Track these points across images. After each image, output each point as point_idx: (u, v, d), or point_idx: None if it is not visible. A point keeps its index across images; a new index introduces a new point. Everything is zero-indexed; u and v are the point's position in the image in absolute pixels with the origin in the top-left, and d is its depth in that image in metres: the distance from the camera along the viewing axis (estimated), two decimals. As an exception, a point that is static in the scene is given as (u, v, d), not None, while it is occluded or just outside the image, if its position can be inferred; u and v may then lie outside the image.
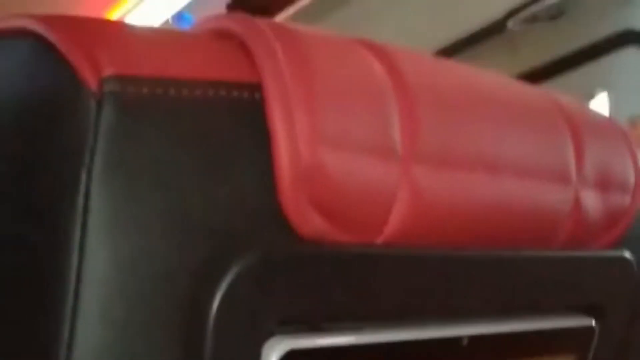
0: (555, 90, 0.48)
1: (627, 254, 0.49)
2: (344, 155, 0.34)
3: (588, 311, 0.48)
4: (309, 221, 0.34)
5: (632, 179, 0.48)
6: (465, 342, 0.41)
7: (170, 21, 3.05)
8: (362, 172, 0.34)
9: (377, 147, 0.35)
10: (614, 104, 1.94)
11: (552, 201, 0.43)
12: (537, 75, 2.06)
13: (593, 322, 0.48)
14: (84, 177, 0.29)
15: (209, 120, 0.32)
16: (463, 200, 0.38)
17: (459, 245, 0.39)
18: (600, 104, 1.96)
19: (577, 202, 0.44)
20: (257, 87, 0.33)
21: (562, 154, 0.44)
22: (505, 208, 0.40)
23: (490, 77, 0.43)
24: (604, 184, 0.46)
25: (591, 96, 2.01)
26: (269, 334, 0.34)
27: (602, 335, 0.48)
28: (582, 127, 0.46)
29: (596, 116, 0.49)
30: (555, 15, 2.05)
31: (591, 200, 0.45)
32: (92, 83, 0.30)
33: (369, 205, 0.35)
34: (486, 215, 0.40)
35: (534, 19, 2.06)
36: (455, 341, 0.40)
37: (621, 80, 1.94)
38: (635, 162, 0.49)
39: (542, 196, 0.42)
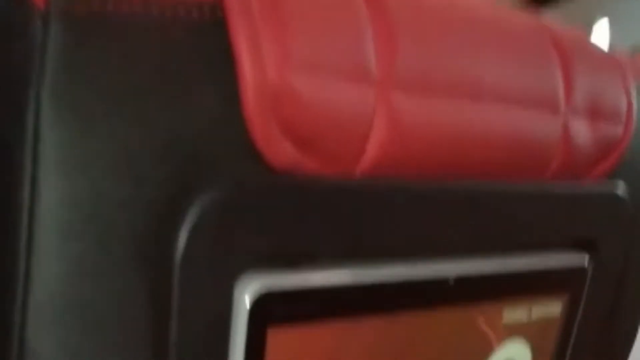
0: (547, 17, 0.46)
1: (620, 187, 0.47)
2: (314, 79, 0.31)
3: (580, 248, 0.46)
4: (280, 150, 0.32)
5: (624, 109, 0.46)
6: (451, 282, 0.39)
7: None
8: (335, 97, 0.32)
9: (351, 70, 0.33)
10: (615, 32, 1.90)
11: (539, 130, 0.41)
12: (535, 0, 2.01)
13: (586, 260, 0.46)
14: (32, 103, 0.27)
15: (167, 42, 0.29)
16: (444, 127, 0.36)
17: (442, 178, 0.37)
18: (601, 31, 1.93)
19: (566, 132, 0.42)
20: (218, 6, 0.31)
21: (550, 81, 0.41)
22: (489, 136, 0.38)
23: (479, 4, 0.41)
24: (595, 113, 0.44)
25: (591, 23, 1.97)
26: (240, 273, 0.32)
27: (596, 273, 0.47)
28: (571, 53, 0.43)
29: (587, 42, 0.46)
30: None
31: (581, 130, 0.43)
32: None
33: (344, 132, 0.33)
34: (468, 143, 0.37)
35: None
36: (441, 282, 0.39)
37: (623, 7, 1.90)
38: (627, 92, 0.46)
39: (528, 125, 0.40)
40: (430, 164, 0.36)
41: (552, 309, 0.46)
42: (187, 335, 0.31)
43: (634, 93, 0.47)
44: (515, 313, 0.44)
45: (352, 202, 0.34)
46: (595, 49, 0.46)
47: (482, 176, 0.39)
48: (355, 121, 0.33)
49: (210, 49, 0.30)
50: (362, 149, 0.34)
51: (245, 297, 0.32)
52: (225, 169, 0.31)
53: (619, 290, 0.51)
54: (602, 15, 1.91)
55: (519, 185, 0.41)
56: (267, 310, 0.32)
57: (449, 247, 0.39)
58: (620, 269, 0.50)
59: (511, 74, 0.39)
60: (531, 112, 0.40)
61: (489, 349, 0.43)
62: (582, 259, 0.46)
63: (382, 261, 0.37)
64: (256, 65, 0.30)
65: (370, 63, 0.33)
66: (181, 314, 0.30)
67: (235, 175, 0.31)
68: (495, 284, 0.42)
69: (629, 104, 0.46)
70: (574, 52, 0.43)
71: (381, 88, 0.34)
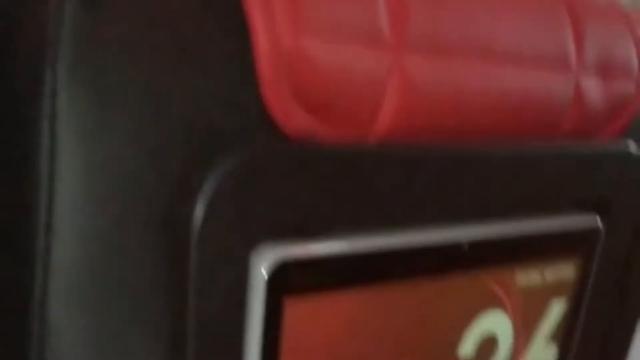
0: None
1: (633, 146, 0.46)
2: (328, 44, 0.31)
3: (593, 208, 0.46)
4: (293, 117, 0.31)
5: (636, 65, 0.46)
6: (466, 247, 0.39)
7: None
8: (348, 62, 0.32)
9: (364, 35, 0.32)
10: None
11: (551, 89, 0.41)
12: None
13: (598, 220, 0.46)
14: (48, 76, 0.27)
15: (182, 6, 0.29)
16: (457, 89, 0.36)
17: (456, 141, 0.37)
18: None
19: (578, 91, 0.42)
20: None
21: (561, 39, 0.41)
22: (502, 97, 0.38)
23: None
24: (607, 71, 0.44)
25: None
26: (257, 243, 0.32)
27: (608, 234, 0.47)
28: (581, 11, 0.43)
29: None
30: None
31: (593, 88, 0.43)
32: None
33: (358, 98, 0.32)
34: (481, 104, 0.37)
35: None
36: (455, 247, 0.39)
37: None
38: (639, 48, 0.46)
39: (540, 84, 0.40)
40: (443, 127, 0.36)
41: (565, 271, 0.46)
42: (205, 306, 0.31)
43: None
44: (529, 276, 0.43)
45: (366, 168, 0.34)
46: (603, 4, 0.46)
47: (495, 137, 0.39)
48: (369, 87, 0.33)
49: (224, 16, 0.30)
50: (376, 114, 0.33)
51: (261, 268, 0.31)
52: (240, 138, 0.30)
53: (633, 251, 0.51)
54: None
55: (530, 146, 0.41)
56: (283, 280, 0.32)
57: (462, 212, 0.39)
58: (633, 230, 0.49)
59: (522, 33, 0.39)
60: (543, 71, 0.40)
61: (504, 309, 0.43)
62: (594, 221, 0.46)
63: (397, 228, 0.36)
64: (270, 31, 0.30)
65: (383, 27, 0.33)
66: (199, 284, 0.30)
67: (250, 145, 0.31)
68: (509, 249, 0.42)
69: None
70: (584, 9, 0.43)
71: (394, 52, 0.33)
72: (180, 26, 0.29)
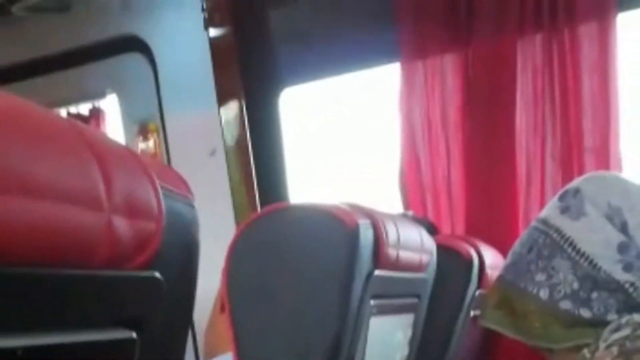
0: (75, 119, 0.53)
1: (157, 274, 0.57)
2: None
3: (128, 325, 0.55)
4: None
5: (155, 206, 0.56)
6: (20, 352, 0.44)
7: None
8: None
9: None
10: (125, 107, 2.04)
11: (85, 225, 0.48)
12: (50, 64, 2.09)
13: (134, 334, 0.55)
14: None
15: None
16: (3, 220, 0.41)
17: (13, 261, 0.42)
18: (111, 105, 2.05)
19: (109, 227, 0.50)
20: None
21: (92, 181, 0.49)
22: (42, 229, 0.44)
23: (12, 101, 0.46)
24: (132, 211, 0.53)
25: (102, 96, 2.09)
26: None
27: (143, 346, 0.56)
28: (106, 156, 0.51)
29: (117, 146, 0.55)
30: (62, 7, 2.09)
31: (122, 226, 0.51)
32: None
33: None
34: (25, 235, 0.43)
35: (40, 8, 2.07)
36: (9, 352, 0.43)
37: (129, 84, 2.05)
38: (156, 192, 0.56)
39: (76, 220, 0.47)
40: None
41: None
42: None
43: (160, 192, 0.57)
44: None
45: None
46: (123, 151, 0.55)
47: (42, 262, 0.45)
48: None
49: None
50: None
51: None
52: None
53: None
54: (112, 89, 2.04)
55: (70, 271, 0.48)
56: None
57: (16, 323, 0.44)
58: (166, 344, 0.59)
59: (56, 173, 0.46)
60: (78, 209, 0.47)
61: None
62: (130, 335, 0.55)
63: None
64: None
65: None
66: None
67: None
68: (59, 356, 0.48)
69: (159, 202, 0.56)
70: (107, 154, 0.51)
71: None
72: None
